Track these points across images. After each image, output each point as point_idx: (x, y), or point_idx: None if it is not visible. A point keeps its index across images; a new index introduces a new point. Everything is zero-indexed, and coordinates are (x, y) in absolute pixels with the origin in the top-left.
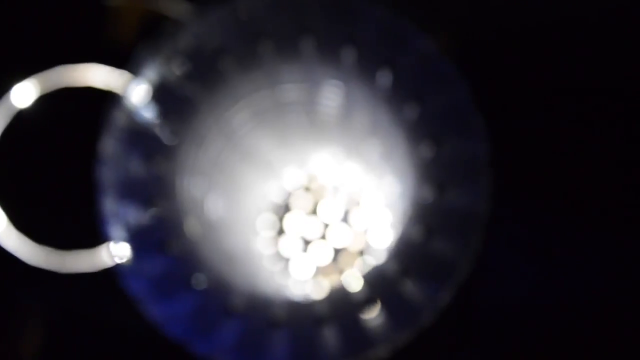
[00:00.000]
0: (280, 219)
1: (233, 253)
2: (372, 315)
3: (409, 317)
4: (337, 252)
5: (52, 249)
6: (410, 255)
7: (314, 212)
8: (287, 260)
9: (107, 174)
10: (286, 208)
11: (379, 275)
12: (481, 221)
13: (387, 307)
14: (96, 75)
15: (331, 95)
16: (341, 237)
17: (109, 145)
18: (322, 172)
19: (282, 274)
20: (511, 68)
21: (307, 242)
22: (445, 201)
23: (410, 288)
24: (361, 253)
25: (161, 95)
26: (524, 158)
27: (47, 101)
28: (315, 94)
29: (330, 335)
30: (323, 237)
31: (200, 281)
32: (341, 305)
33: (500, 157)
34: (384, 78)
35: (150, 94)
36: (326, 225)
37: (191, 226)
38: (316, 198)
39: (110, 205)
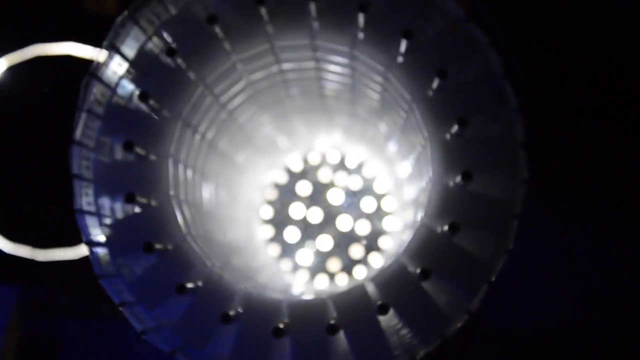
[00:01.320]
0: (286, 207)
1: (234, 245)
2: (391, 322)
3: (433, 324)
4: (346, 241)
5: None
6: (434, 253)
7: (321, 199)
8: (292, 251)
9: (82, 160)
10: (292, 195)
11: (397, 275)
12: (517, 213)
13: (408, 313)
14: (74, 49)
15: (338, 68)
16: (350, 224)
17: (84, 126)
18: (328, 157)
19: (287, 267)
20: (551, 36)
21: (314, 231)
22: (474, 190)
23: (434, 290)
24: (372, 244)
25: (143, 67)
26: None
27: (22, 77)
28: (321, 68)
29: (342, 345)
30: (331, 224)
31: (193, 282)
32: (355, 309)
33: (536, 138)
34: (400, 47)
35: (131, 66)
36: (334, 213)
37: (184, 219)
38: (323, 185)
39: (86, 197)
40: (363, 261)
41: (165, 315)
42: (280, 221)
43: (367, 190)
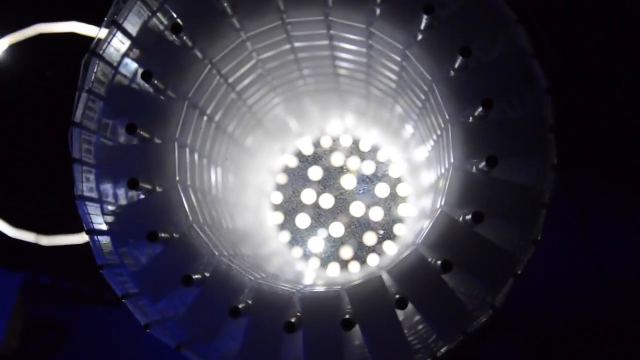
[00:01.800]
0: (297, 192)
1: (243, 232)
2: (410, 316)
3: (455, 319)
4: (359, 227)
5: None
6: (455, 243)
7: (334, 184)
8: (304, 238)
9: (83, 144)
10: (303, 179)
11: (416, 267)
12: (545, 202)
13: (428, 307)
14: (77, 28)
15: (353, 46)
16: (363, 210)
17: (84, 107)
18: (341, 140)
19: (298, 254)
20: (584, 9)
21: (326, 217)
22: (498, 176)
23: (456, 284)
24: (386, 231)
25: (147, 44)
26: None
27: (25, 56)
28: (335, 46)
29: (357, 341)
30: (344, 210)
31: (200, 273)
32: (371, 303)
33: (568, 123)
34: (420, 23)
35: (134, 43)
36: (347, 199)
37: (190, 206)
38: (335, 169)
39: (87, 183)
40: (377, 249)
41: (170, 308)
42: (291, 207)
43: (381, 175)
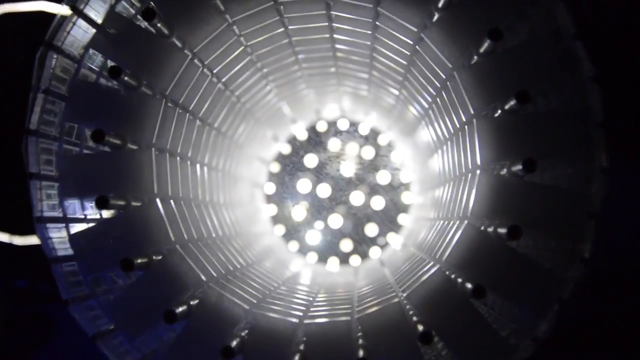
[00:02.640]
0: (293, 182)
1: (235, 234)
2: (436, 351)
3: (491, 355)
4: (359, 218)
5: None
6: (488, 262)
7: (331, 171)
8: (300, 230)
9: (42, 154)
10: (299, 168)
11: (441, 291)
12: (594, 212)
13: (457, 341)
14: (45, 6)
15: (356, 26)
16: (363, 199)
17: (42, 110)
18: (338, 125)
19: (295, 249)
20: None
21: (323, 207)
22: (536, 181)
23: (491, 311)
24: (388, 221)
25: (115, 33)
26: None
27: None
28: (335, 27)
29: None
30: (342, 199)
31: (185, 304)
32: (389, 336)
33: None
34: (438, 1)
35: (99, 32)
36: (346, 187)
37: (172, 221)
38: (333, 155)
39: (48, 200)
40: (379, 240)
41: (151, 345)
42: (285, 198)
43: (382, 161)
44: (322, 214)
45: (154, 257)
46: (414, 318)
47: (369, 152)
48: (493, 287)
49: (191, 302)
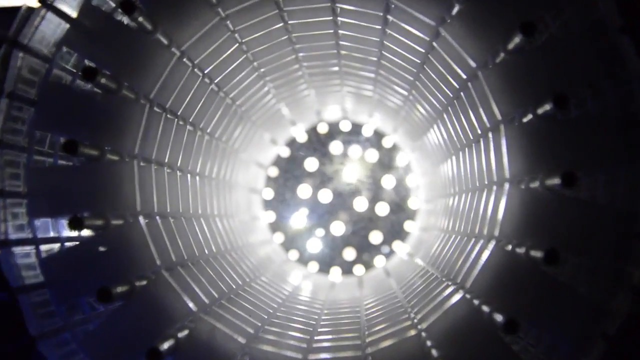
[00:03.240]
0: (293, 187)
1: (230, 248)
2: None
3: None
4: (363, 225)
5: None
6: (521, 291)
7: (333, 176)
8: (300, 238)
9: (7, 167)
10: (299, 173)
11: (467, 325)
12: None
13: None
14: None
15: (364, 23)
16: (366, 204)
17: (6, 117)
18: (340, 127)
19: (295, 258)
20: None
21: (324, 213)
22: (574, 196)
23: (525, 348)
24: (393, 228)
25: (90, 29)
26: None
27: None
28: (339, 22)
29: None
30: (345, 205)
31: (172, 337)
32: None
33: None
34: None
35: (74, 28)
36: (348, 192)
37: (158, 243)
38: (334, 158)
39: (14, 221)
40: (384, 249)
41: None
42: (285, 204)
43: (386, 165)
44: (324, 220)
45: (136, 284)
46: (434, 353)
47: (372, 155)
48: (527, 318)
49: (179, 335)
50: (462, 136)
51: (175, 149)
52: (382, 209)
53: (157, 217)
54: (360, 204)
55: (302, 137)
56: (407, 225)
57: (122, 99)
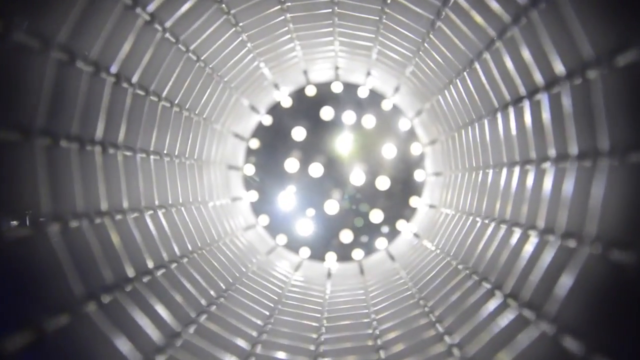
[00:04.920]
0: (279, 161)
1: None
2: None
3: None
4: (362, 202)
5: None
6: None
7: (327, 149)
8: (290, 219)
9: None
10: (286, 143)
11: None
12: None
13: None
14: None
15: None
16: (364, 178)
17: None
18: (332, 89)
19: (283, 242)
20: None
21: (316, 190)
22: None
23: None
24: (396, 205)
25: None
26: None
27: None
28: None
29: None
30: (340, 180)
31: None
32: None
33: None
34: None
35: None
36: (343, 165)
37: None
38: (326, 125)
39: None
40: (385, 229)
41: None
42: (270, 180)
43: (386, 131)
44: (315, 198)
45: (45, 329)
46: None
47: (370, 121)
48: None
49: None
50: (504, 92)
51: (113, 120)
52: (383, 183)
53: (82, 221)
54: (357, 178)
55: (287, 102)
56: (413, 201)
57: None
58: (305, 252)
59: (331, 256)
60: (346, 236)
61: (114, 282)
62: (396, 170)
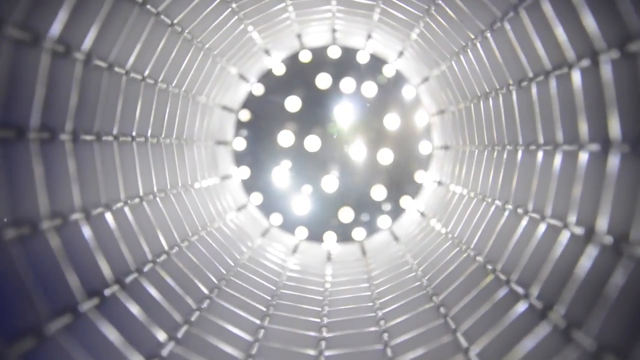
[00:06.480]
0: (272, 133)
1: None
2: None
3: None
4: (362, 179)
5: None
6: None
7: (324, 120)
8: (285, 197)
9: None
10: (280, 116)
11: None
12: None
13: None
14: None
15: None
16: (366, 152)
17: None
18: (329, 54)
19: (278, 223)
20: None
21: (312, 165)
22: None
23: None
24: (400, 180)
25: None
26: None
27: None
28: None
29: None
30: (338, 154)
31: None
32: None
33: None
34: None
35: None
36: (342, 137)
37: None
38: (322, 94)
39: None
40: (388, 206)
41: None
42: (263, 155)
43: (388, 100)
44: (312, 174)
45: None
46: None
47: (370, 89)
48: None
49: None
50: (541, 59)
51: (87, 102)
52: (385, 157)
53: (52, 221)
54: (357, 151)
55: (279, 70)
56: (419, 176)
57: None
58: (302, 232)
59: (330, 236)
60: (346, 215)
61: (96, 288)
62: (400, 142)
